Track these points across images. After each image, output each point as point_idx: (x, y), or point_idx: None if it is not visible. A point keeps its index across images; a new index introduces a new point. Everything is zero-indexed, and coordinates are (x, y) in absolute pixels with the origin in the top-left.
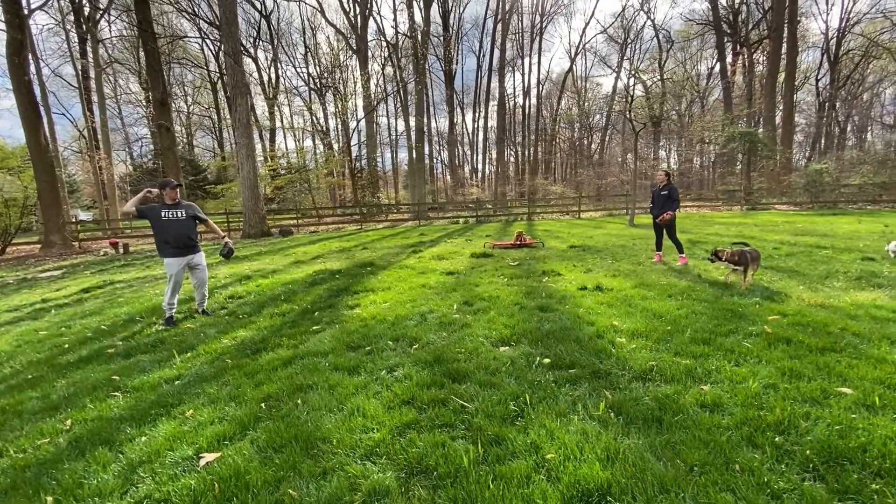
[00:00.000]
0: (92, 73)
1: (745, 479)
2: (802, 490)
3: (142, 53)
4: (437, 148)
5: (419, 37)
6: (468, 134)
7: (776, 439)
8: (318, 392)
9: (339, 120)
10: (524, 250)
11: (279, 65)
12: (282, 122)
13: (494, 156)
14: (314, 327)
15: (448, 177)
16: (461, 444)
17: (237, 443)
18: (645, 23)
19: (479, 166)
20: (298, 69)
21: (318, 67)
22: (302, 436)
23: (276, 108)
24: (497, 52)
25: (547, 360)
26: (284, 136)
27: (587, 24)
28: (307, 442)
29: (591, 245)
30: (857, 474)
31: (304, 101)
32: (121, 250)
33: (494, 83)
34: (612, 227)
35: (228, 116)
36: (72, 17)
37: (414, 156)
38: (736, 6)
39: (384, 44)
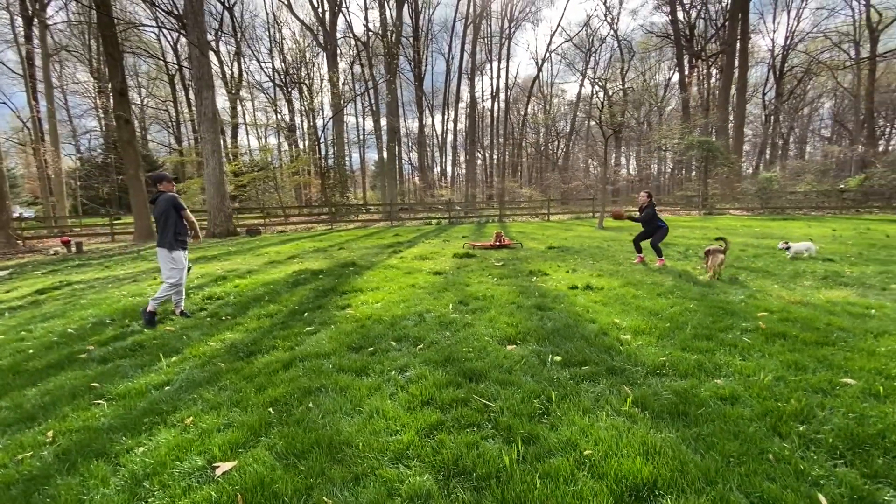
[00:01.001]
0: (38, 60)
1: (782, 468)
2: (836, 475)
3: (92, 40)
4: (406, 149)
5: (392, 36)
6: (437, 136)
7: (800, 429)
8: (329, 395)
9: (304, 118)
10: (505, 251)
11: (242, 59)
12: (244, 118)
13: (463, 158)
14: (307, 328)
15: (416, 178)
16: (493, 444)
17: (252, 450)
18: (608, 33)
19: (449, 168)
20: (263, 64)
21: (283, 63)
22: (324, 440)
23: (238, 103)
24: (466, 56)
25: (558, 358)
26: (247, 133)
27: (554, 32)
28: (331, 446)
29: (568, 246)
30: (881, 458)
31: (268, 98)
32: (73, 249)
33: (463, 86)
34: (582, 230)
35: (187, 110)
36: None
37: (385, 156)
38: (692, 21)
39: (353, 42)
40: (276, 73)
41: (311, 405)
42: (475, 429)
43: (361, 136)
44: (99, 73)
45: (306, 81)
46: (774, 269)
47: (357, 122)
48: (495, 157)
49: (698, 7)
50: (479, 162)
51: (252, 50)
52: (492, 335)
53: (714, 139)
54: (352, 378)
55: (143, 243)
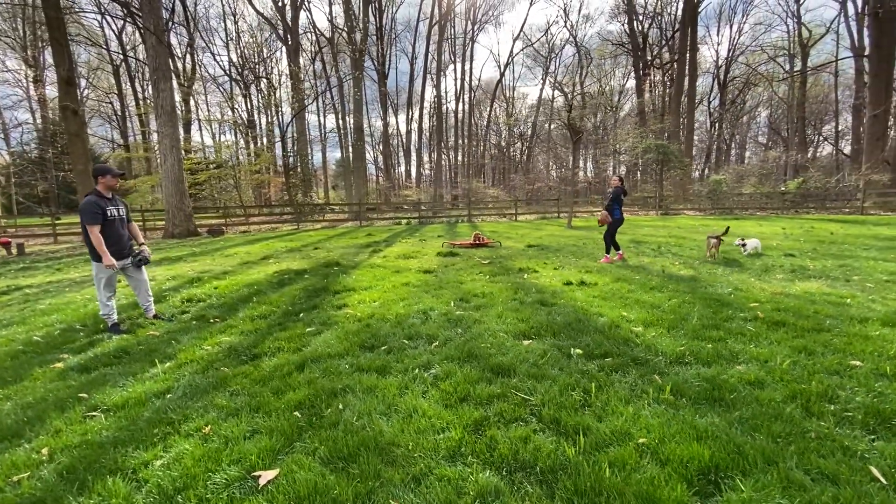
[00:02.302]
0: None
1: (829, 445)
2: (877, 449)
3: (26, 26)
4: (368, 149)
5: (360, 31)
6: (401, 136)
7: (830, 408)
8: (357, 395)
9: (262, 114)
10: (486, 249)
11: (196, 51)
12: (198, 113)
13: (426, 158)
14: (308, 329)
15: (380, 178)
16: (545, 437)
17: (290, 456)
18: (567, 39)
19: (413, 169)
20: (218, 57)
21: (240, 58)
22: (370, 442)
23: (192, 97)
24: (430, 56)
25: (579, 351)
26: (201, 130)
27: (516, 37)
28: (378, 448)
29: (546, 244)
30: None
31: (224, 93)
32: (14, 251)
33: (427, 86)
34: (552, 229)
35: (133, 104)
36: None
37: (351, 154)
38: (645, 31)
39: (314, 38)
40: (232, 67)
41: (340, 406)
42: (521, 423)
43: (322, 135)
44: (35, 60)
45: (266, 76)
46: (745, 263)
47: (319, 120)
48: (460, 158)
49: (650, 18)
50: (443, 163)
51: (206, 42)
52: (505, 331)
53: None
54: (376, 378)
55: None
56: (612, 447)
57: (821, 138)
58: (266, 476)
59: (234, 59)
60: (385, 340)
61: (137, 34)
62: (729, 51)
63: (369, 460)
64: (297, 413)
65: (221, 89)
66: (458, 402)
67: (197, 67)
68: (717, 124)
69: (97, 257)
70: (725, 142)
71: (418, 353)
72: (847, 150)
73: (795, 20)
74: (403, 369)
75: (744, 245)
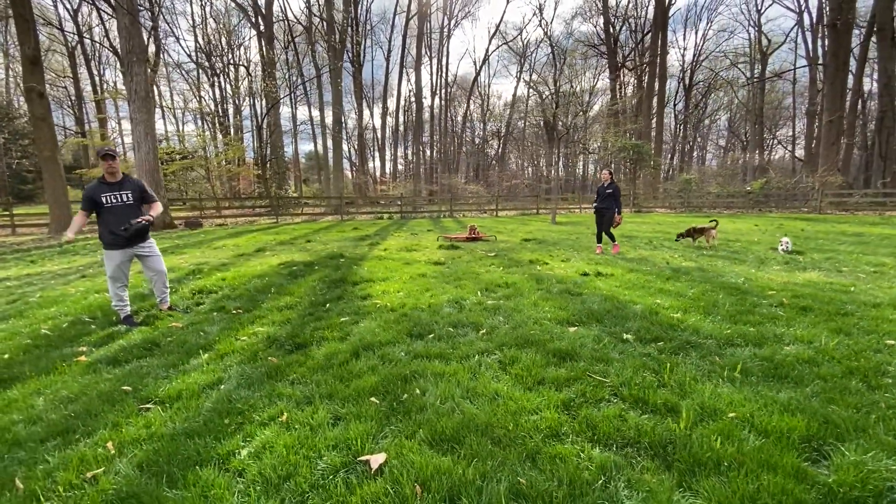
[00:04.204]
0: None
1: None
2: None
3: None
4: (343, 142)
5: (338, 21)
6: (375, 130)
7: (887, 381)
8: (429, 381)
9: (230, 104)
10: (484, 243)
11: (159, 35)
12: (161, 101)
13: (401, 153)
14: (342, 319)
15: (354, 172)
16: (638, 414)
17: (388, 440)
18: (542, 38)
19: (389, 163)
20: (183, 42)
21: (207, 45)
22: (470, 425)
23: (155, 84)
24: (406, 50)
25: (630, 336)
26: (164, 118)
27: (492, 35)
28: (480, 430)
29: (541, 238)
30: None
31: (191, 81)
32: None
33: (402, 80)
34: (538, 224)
35: (89, 87)
36: None
37: (331, 147)
38: (616, 33)
39: (287, 26)
40: (199, 54)
41: (417, 392)
42: (607, 403)
43: (294, 127)
44: None
45: (238, 62)
46: (740, 256)
47: (291, 111)
48: (436, 153)
49: (622, 21)
50: (415, 158)
51: (169, 25)
52: (548, 318)
53: (642, 144)
54: (439, 364)
55: (62, 236)
56: (708, 422)
57: (776, 142)
58: (376, 460)
59: (201, 44)
60: (430, 329)
61: (95, 14)
62: (694, 56)
63: (477, 441)
64: (373, 399)
65: (187, 76)
66: (535, 385)
67: (161, 53)
68: (681, 126)
69: (106, 245)
70: (689, 143)
71: (469, 340)
72: (800, 153)
73: (756, 28)
74: (463, 356)
75: (785, 247)
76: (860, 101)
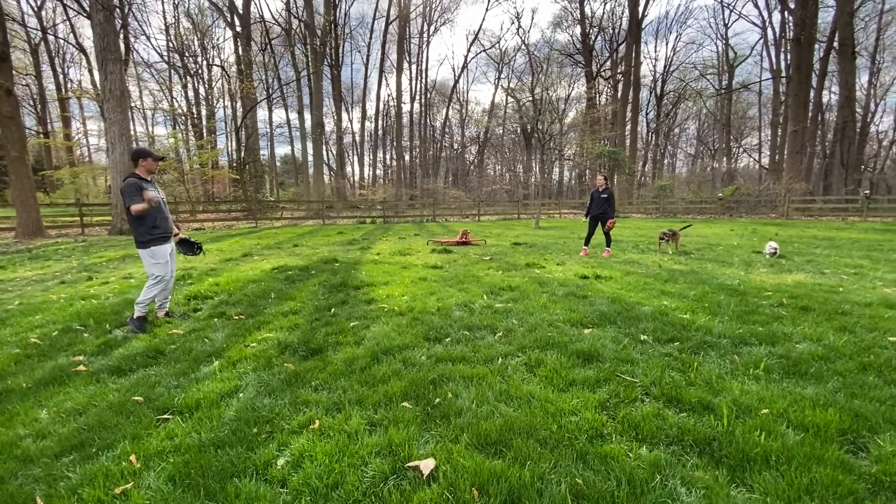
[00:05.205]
0: None
1: None
2: None
3: None
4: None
5: (318, 24)
6: (353, 134)
7: None
8: (459, 384)
9: (204, 105)
10: (475, 247)
11: (129, 33)
12: (129, 101)
13: (380, 157)
14: (353, 323)
15: (332, 176)
16: (674, 413)
17: (430, 445)
18: (520, 46)
19: (367, 168)
20: (155, 41)
21: (181, 45)
22: (513, 427)
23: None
24: (384, 54)
25: (646, 337)
26: (133, 120)
27: (472, 42)
28: (524, 433)
29: (530, 242)
30: None
31: (164, 82)
32: None
33: (381, 84)
34: (522, 229)
35: (53, 86)
36: None
37: (310, 151)
38: (591, 43)
39: (263, 28)
40: (171, 54)
41: (450, 395)
42: (641, 402)
43: (271, 130)
44: None
45: (212, 62)
46: (725, 259)
47: (268, 115)
48: (417, 158)
49: (597, 30)
50: (395, 163)
51: (139, 23)
52: (561, 320)
53: (619, 150)
54: (465, 367)
55: (30, 240)
56: (745, 418)
57: (742, 151)
58: (426, 465)
59: (174, 44)
60: (446, 332)
61: (61, 10)
62: (665, 66)
63: (524, 444)
64: (405, 404)
65: (158, 76)
66: (567, 386)
67: (130, 51)
68: (653, 134)
69: (146, 243)
70: (661, 151)
71: (488, 342)
72: (765, 161)
73: (723, 41)
74: (487, 358)
75: (773, 251)
76: (820, 112)
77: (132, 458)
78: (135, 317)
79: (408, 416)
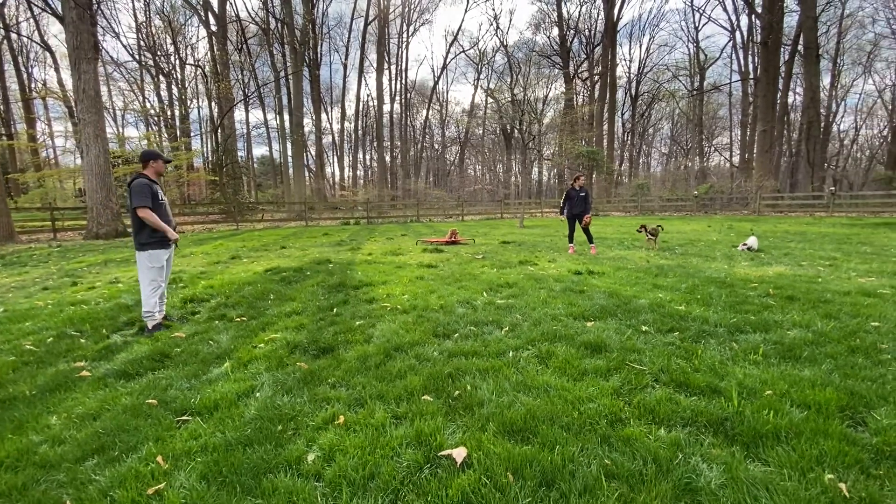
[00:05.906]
0: None
1: None
2: None
3: None
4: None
5: (297, 23)
6: (333, 134)
7: (886, 357)
8: (476, 377)
9: (180, 106)
10: (465, 246)
11: (97, 31)
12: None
13: (360, 157)
14: (358, 322)
15: (312, 177)
16: (687, 397)
17: (459, 435)
18: (498, 48)
19: (347, 169)
20: (125, 39)
21: (153, 44)
22: (536, 415)
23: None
24: (364, 54)
25: (646, 328)
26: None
27: (451, 43)
28: (547, 420)
29: (517, 241)
30: None
31: (136, 81)
32: None
33: (361, 85)
34: (506, 228)
35: (16, 86)
36: None
37: (290, 151)
38: (569, 45)
39: (239, 27)
40: (142, 53)
41: (468, 388)
42: (652, 388)
43: (248, 131)
44: None
45: (185, 61)
46: (707, 253)
47: (245, 115)
48: (398, 158)
49: (574, 32)
50: (376, 164)
51: (108, 20)
52: (563, 314)
53: (598, 150)
54: (479, 361)
55: (2, 246)
56: (751, 399)
57: (713, 150)
58: (458, 453)
59: (144, 43)
60: (454, 328)
61: (24, 7)
62: (639, 68)
63: (549, 430)
64: (426, 397)
65: (129, 75)
66: (580, 375)
67: (100, 50)
68: (628, 135)
69: (146, 246)
70: (636, 150)
71: (497, 337)
72: (735, 160)
73: (694, 44)
74: (498, 352)
75: (747, 247)
76: (786, 113)
77: (159, 458)
78: (150, 327)
79: (431, 408)
